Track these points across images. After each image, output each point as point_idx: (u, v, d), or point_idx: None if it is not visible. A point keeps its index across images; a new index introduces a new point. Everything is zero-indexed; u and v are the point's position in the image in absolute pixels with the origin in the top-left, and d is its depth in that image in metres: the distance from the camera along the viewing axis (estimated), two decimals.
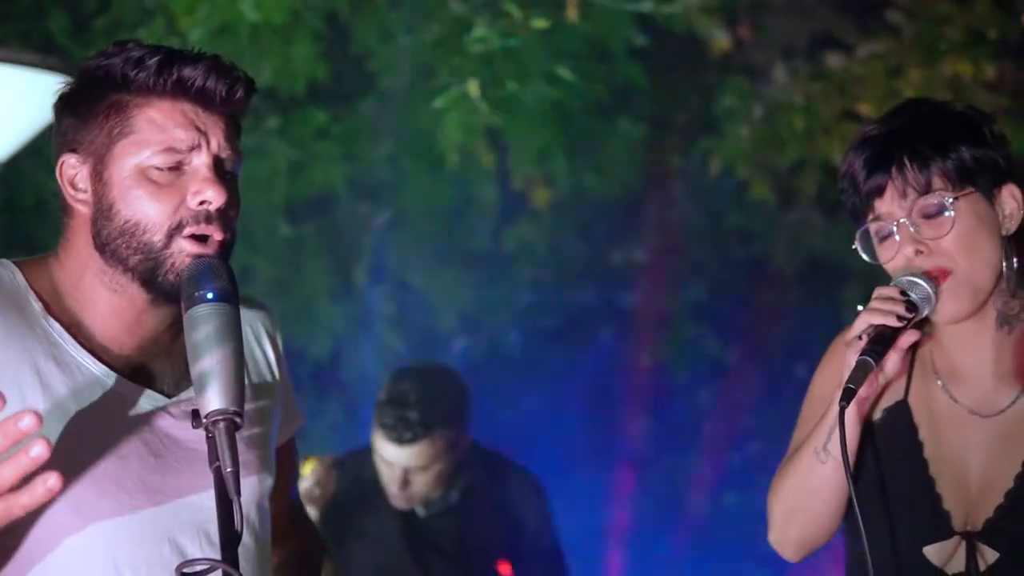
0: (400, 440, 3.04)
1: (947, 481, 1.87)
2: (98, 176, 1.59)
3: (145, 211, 1.56)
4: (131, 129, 1.57)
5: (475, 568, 3.17)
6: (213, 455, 1.41)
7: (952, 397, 1.89)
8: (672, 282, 4.70)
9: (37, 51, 3.43)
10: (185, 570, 1.35)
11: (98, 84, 1.59)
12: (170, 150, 1.56)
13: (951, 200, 1.80)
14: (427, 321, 4.43)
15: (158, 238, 1.56)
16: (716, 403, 4.71)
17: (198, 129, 1.57)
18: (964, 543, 1.84)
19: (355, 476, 3.13)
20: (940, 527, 1.86)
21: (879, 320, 1.78)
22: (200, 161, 1.57)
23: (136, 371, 1.61)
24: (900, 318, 1.77)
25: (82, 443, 1.55)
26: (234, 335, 1.46)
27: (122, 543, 1.55)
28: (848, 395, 1.75)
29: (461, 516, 3.15)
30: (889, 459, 1.90)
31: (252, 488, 1.63)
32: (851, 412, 1.82)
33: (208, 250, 1.56)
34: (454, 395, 3.14)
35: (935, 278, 1.81)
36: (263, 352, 1.74)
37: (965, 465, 1.87)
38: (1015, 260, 1.85)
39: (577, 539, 4.03)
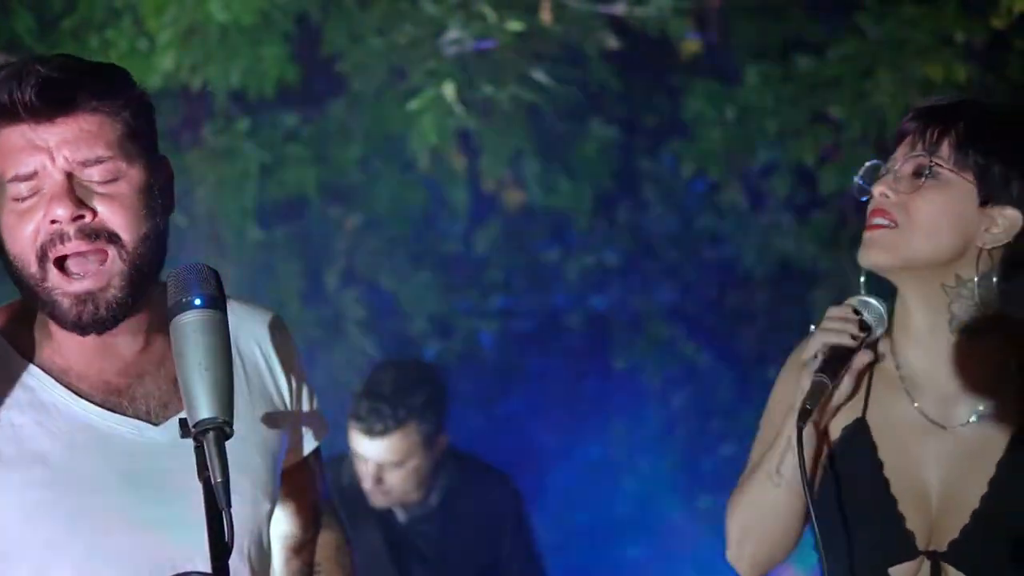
0: (371, 432, 3.01)
1: (909, 500, 1.86)
2: None
3: (16, 242, 1.52)
4: None
5: (455, 573, 3.15)
6: (202, 465, 1.38)
7: (913, 402, 1.88)
8: (644, 285, 4.70)
9: (3, 52, 3.38)
10: None
11: None
12: (16, 178, 1.50)
13: (934, 165, 1.81)
14: (399, 324, 4.40)
15: (33, 268, 1.52)
16: (689, 406, 4.71)
17: (39, 147, 1.50)
18: (929, 564, 1.84)
19: (335, 483, 3.10)
20: (904, 548, 1.85)
21: (833, 340, 1.80)
22: (51, 180, 1.50)
23: (120, 397, 1.57)
24: (853, 337, 1.79)
25: (58, 484, 1.52)
26: (223, 342, 1.43)
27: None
28: (804, 415, 1.76)
29: (441, 521, 3.13)
30: (850, 479, 1.90)
31: (246, 518, 1.60)
32: (805, 433, 1.81)
33: (84, 284, 1.50)
34: (430, 390, 3.12)
35: (874, 226, 1.82)
36: (268, 365, 1.69)
37: (926, 480, 1.87)
38: (991, 278, 1.84)
39: (551, 542, 4.02)
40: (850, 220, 4.68)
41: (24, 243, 1.51)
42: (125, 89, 1.54)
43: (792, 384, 1.90)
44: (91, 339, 1.56)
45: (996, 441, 1.84)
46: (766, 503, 1.88)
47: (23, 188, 1.51)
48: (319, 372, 4.24)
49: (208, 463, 1.37)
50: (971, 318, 1.86)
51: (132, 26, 3.72)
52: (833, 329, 1.81)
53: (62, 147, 1.50)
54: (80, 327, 1.53)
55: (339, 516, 1.91)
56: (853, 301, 1.84)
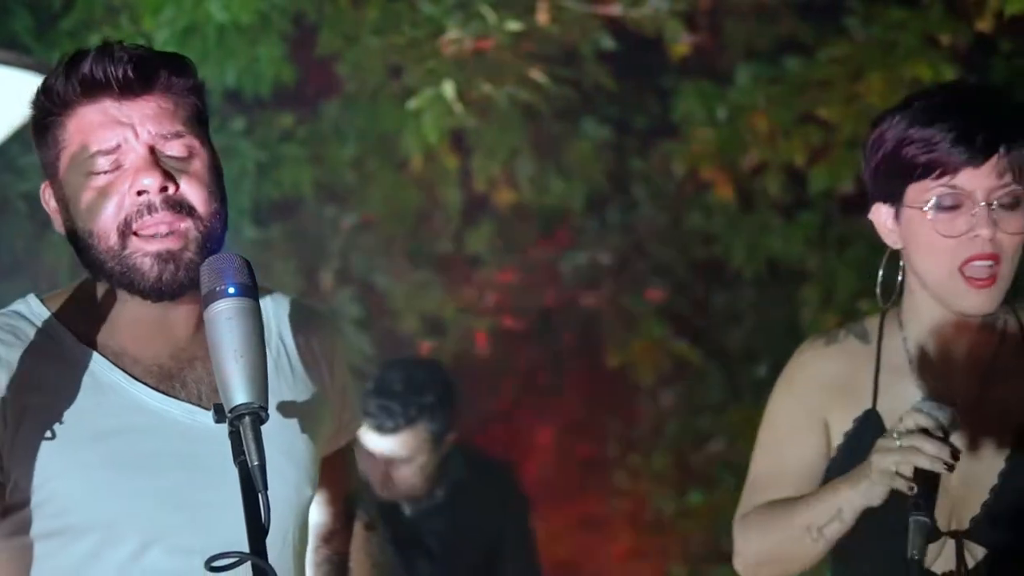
0: (381, 429, 3.04)
1: None
2: (60, 198, 1.59)
3: (96, 218, 1.55)
4: (65, 143, 1.56)
5: (461, 567, 3.18)
6: (238, 449, 1.41)
7: (924, 386, 1.90)
8: (636, 284, 4.74)
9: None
10: (215, 563, 1.34)
11: (37, 111, 1.59)
12: (99, 152, 1.54)
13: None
14: (393, 323, 4.43)
15: (113, 241, 1.54)
16: (680, 403, 4.75)
17: (121, 123, 1.54)
18: (952, 543, 1.87)
19: None
20: None
21: (926, 466, 1.74)
22: (134, 153, 1.55)
23: (172, 381, 1.60)
24: (947, 465, 1.73)
25: (118, 464, 1.55)
26: (256, 329, 1.46)
27: (161, 558, 1.55)
28: (917, 568, 1.70)
29: (447, 514, 3.15)
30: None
31: (291, 502, 1.62)
32: (863, 512, 1.80)
33: (167, 243, 1.53)
34: (440, 389, 3.14)
35: (981, 284, 1.81)
36: (314, 358, 1.71)
37: None
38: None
39: (542, 538, 4.05)
40: (837, 220, 4.74)
41: (107, 217, 1.54)
42: (193, 74, 1.60)
43: (802, 389, 1.91)
44: (149, 319, 1.59)
45: (1010, 417, 1.88)
46: (796, 551, 1.87)
47: (104, 162, 1.54)
48: None
49: (244, 446, 1.40)
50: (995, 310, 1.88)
51: (130, 25, 3.73)
52: (927, 455, 1.73)
53: (145, 122, 1.54)
54: (159, 288, 1.54)
55: (370, 510, 1.94)
56: (925, 406, 1.77)
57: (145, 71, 1.54)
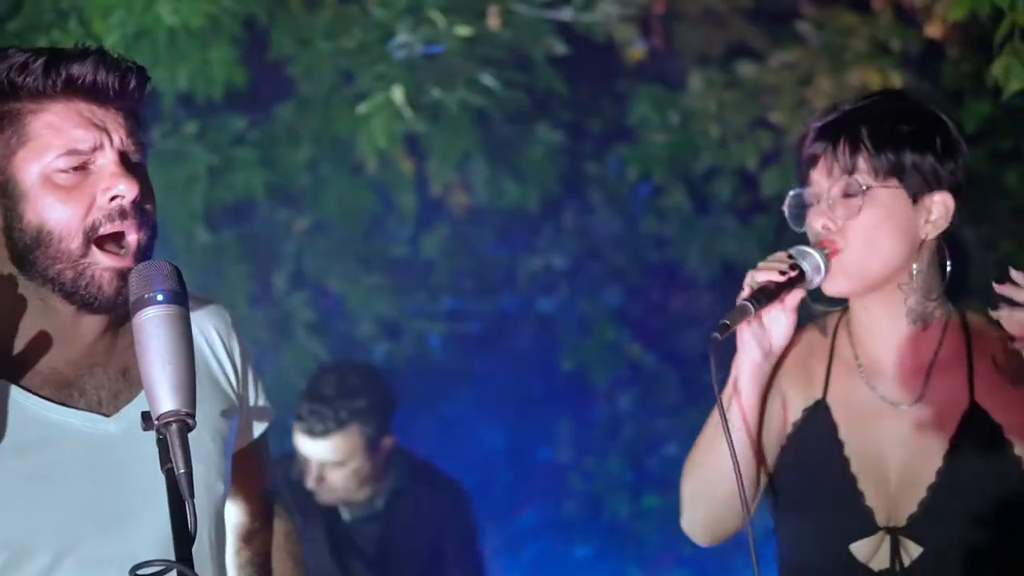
0: (311, 432, 3.04)
1: (868, 477, 1.93)
2: (3, 189, 1.55)
3: (57, 218, 1.53)
4: (28, 136, 1.54)
5: (397, 574, 3.18)
6: (165, 457, 1.40)
7: (871, 387, 1.95)
8: (591, 287, 4.75)
9: None
10: (140, 572, 1.34)
11: None
12: (72, 152, 1.53)
13: (866, 187, 1.87)
14: (347, 327, 4.42)
15: (75, 245, 1.53)
16: (635, 406, 4.77)
17: (97, 127, 1.54)
18: (888, 538, 1.90)
19: (283, 478, 3.12)
20: (864, 524, 1.92)
21: (763, 277, 1.87)
22: (106, 159, 1.54)
23: (71, 389, 1.58)
24: (782, 272, 1.85)
25: (24, 480, 1.53)
26: (185, 336, 1.46)
27: (73, 573, 1.54)
28: (721, 329, 1.81)
29: (385, 521, 3.15)
30: (810, 458, 1.96)
31: (205, 503, 1.62)
32: (750, 377, 1.89)
33: (126, 261, 1.54)
34: (375, 393, 3.14)
35: (829, 254, 1.89)
36: (214, 353, 1.73)
37: (884, 459, 1.93)
38: (938, 263, 1.92)
39: (498, 542, 4.06)
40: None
41: (68, 218, 1.52)
42: (147, 84, 1.61)
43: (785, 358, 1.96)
44: (56, 326, 1.57)
45: (949, 417, 1.92)
46: (714, 455, 1.90)
47: (73, 162, 1.53)
48: (268, 374, 4.24)
49: (171, 454, 1.39)
50: (923, 306, 1.93)
51: (79, 28, 3.70)
52: (765, 268, 1.88)
53: (117, 129, 1.55)
54: (112, 304, 1.54)
55: (287, 506, 1.94)
56: (792, 249, 1.90)
57: (126, 80, 1.55)
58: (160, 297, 1.46)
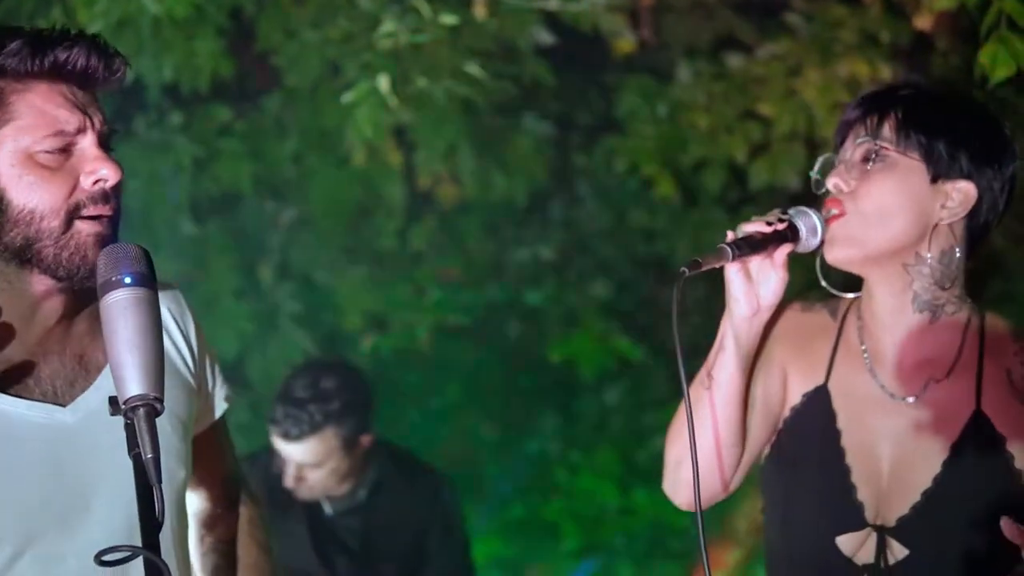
0: (287, 436, 3.03)
1: (861, 471, 1.90)
2: None
3: (40, 198, 1.53)
4: (11, 115, 1.53)
5: (381, 566, 3.16)
6: (132, 442, 1.38)
7: (874, 376, 1.91)
8: (579, 280, 4.74)
9: None
10: (105, 557, 1.32)
11: None
12: (59, 133, 1.54)
13: (885, 153, 1.84)
14: (334, 319, 4.41)
15: (56, 223, 1.53)
16: (623, 399, 4.76)
17: (80, 109, 1.55)
18: (875, 536, 1.87)
19: (265, 473, 3.10)
20: (853, 518, 1.89)
21: (750, 227, 1.81)
22: (88, 141, 1.55)
23: (26, 379, 1.56)
24: (768, 223, 1.80)
25: None
26: (153, 320, 1.44)
27: (31, 567, 1.52)
28: (692, 265, 1.74)
29: (367, 514, 3.14)
30: (806, 446, 1.93)
31: (165, 489, 1.60)
32: (737, 333, 1.85)
33: (104, 228, 1.55)
34: (350, 394, 3.11)
35: (830, 219, 1.85)
36: (170, 337, 1.71)
37: (878, 454, 1.90)
38: (950, 254, 1.88)
39: (486, 535, 4.05)
40: None
41: (51, 198, 1.52)
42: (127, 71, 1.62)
43: (768, 346, 1.93)
44: (15, 314, 1.56)
45: (951, 422, 1.87)
46: (698, 414, 1.85)
47: (57, 143, 1.53)
48: (254, 367, 4.23)
49: (139, 439, 1.37)
50: (933, 295, 1.89)
51: (62, 17, 3.68)
52: (755, 220, 1.83)
53: (96, 112, 1.57)
54: (92, 272, 1.53)
55: (251, 490, 1.92)
56: (791, 208, 1.85)
57: (113, 66, 1.56)
58: (128, 280, 1.45)
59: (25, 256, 1.54)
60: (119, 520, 1.55)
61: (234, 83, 4.04)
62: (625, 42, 4.30)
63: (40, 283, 1.56)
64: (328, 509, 3.15)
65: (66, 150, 1.54)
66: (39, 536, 1.53)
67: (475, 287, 4.67)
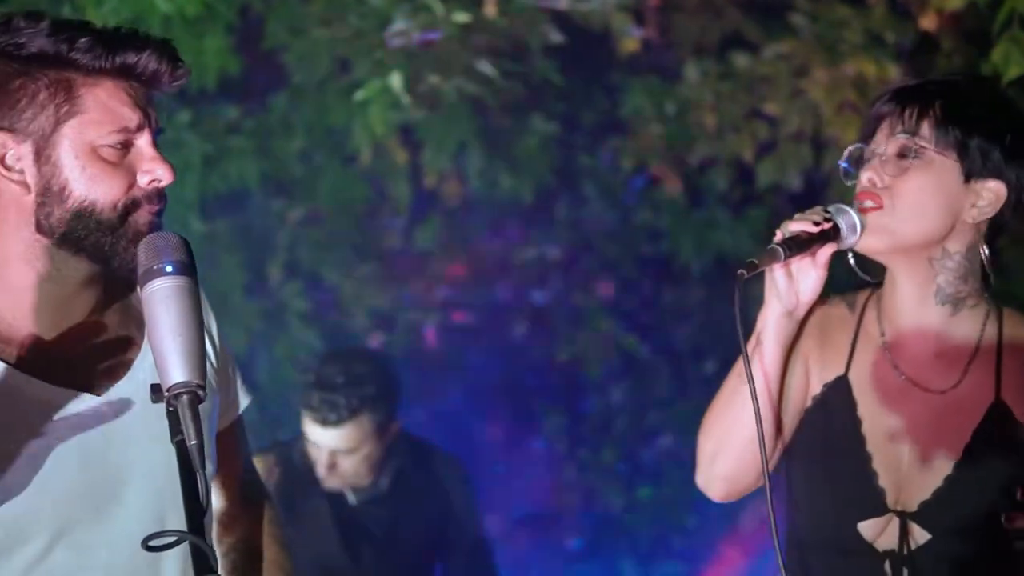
0: (325, 422, 3.05)
1: (882, 457, 1.92)
2: (43, 156, 1.55)
3: (101, 190, 1.55)
4: (80, 109, 1.55)
5: (404, 554, 3.18)
6: (175, 429, 1.39)
7: (895, 366, 1.94)
8: (585, 279, 4.75)
9: None
10: (152, 543, 1.32)
11: (27, 61, 1.54)
12: (123, 130, 1.56)
13: (921, 150, 1.86)
14: (341, 318, 4.41)
15: (114, 217, 1.56)
16: (628, 398, 4.77)
17: (140, 108, 1.58)
18: (897, 521, 1.90)
19: (287, 464, 3.12)
20: (875, 504, 1.91)
21: (796, 227, 1.85)
22: (144, 140, 1.58)
23: (60, 368, 1.57)
24: (816, 224, 1.83)
25: (15, 460, 1.52)
26: (194, 308, 1.45)
27: (66, 553, 1.53)
28: (749, 266, 1.79)
29: (391, 502, 3.16)
30: (828, 433, 1.95)
31: None
32: (775, 330, 1.87)
33: (158, 220, 1.60)
34: (382, 380, 3.16)
35: (865, 209, 1.87)
36: None
37: (899, 441, 1.93)
38: (974, 251, 1.91)
39: (492, 534, 4.05)
40: (784, 214, 4.77)
41: (111, 192, 1.55)
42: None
43: (810, 329, 1.96)
44: (55, 303, 1.58)
45: (973, 410, 1.91)
46: (735, 407, 1.88)
47: (119, 138, 1.56)
48: (261, 364, 4.24)
49: (183, 426, 1.38)
50: (956, 289, 1.92)
51: (72, 14, 3.68)
52: (800, 219, 1.86)
53: (152, 110, 1.61)
54: (127, 260, 1.57)
55: (266, 489, 1.93)
56: (831, 207, 1.88)
57: (178, 72, 1.61)
58: (169, 268, 1.46)
59: (80, 245, 1.56)
60: (149, 510, 1.56)
61: (241, 81, 4.05)
62: (630, 41, 4.32)
63: (87, 270, 1.58)
64: (352, 498, 3.17)
65: (125, 147, 1.57)
66: (73, 524, 1.54)
67: (482, 286, 4.68)
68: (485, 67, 3.48)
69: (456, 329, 4.61)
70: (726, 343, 4.84)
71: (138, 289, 1.47)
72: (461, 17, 3.42)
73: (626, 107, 4.33)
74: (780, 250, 1.81)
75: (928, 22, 4.31)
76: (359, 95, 3.47)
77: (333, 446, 3.07)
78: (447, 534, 3.23)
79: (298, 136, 4.20)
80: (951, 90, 1.91)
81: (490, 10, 3.58)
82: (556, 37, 3.81)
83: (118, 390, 1.59)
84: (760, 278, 1.92)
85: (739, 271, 1.77)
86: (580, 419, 4.79)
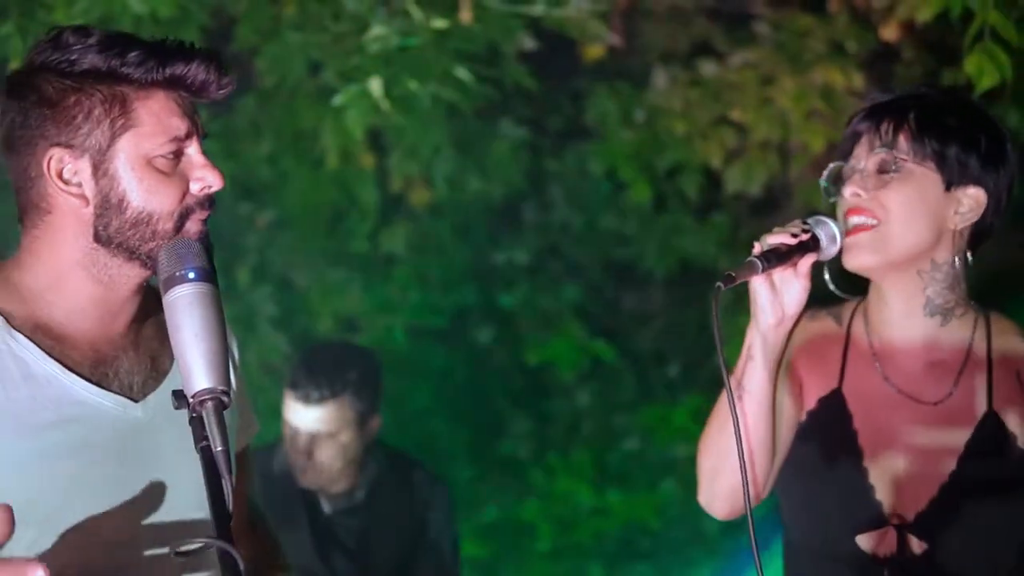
0: (308, 399, 3.04)
1: (879, 470, 1.94)
2: (101, 170, 1.58)
3: (158, 200, 1.58)
4: (134, 122, 1.58)
5: (379, 565, 3.17)
6: (199, 435, 1.39)
7: (886, 378, 1.96)
8: (552, 283, 4.77)
9: None
10: (180, 549, 1.33)
11: (79, 77, 1.57)
12: (175, 140, 1.59)
13: (901, 162, 1.89)
14: (310, 322, 4.40)
15: (169, 226, 1.58)
16: (595, 401, 4.80)
17: (189, 116, 1.61)
18: (895, 532, 1.92)
19: (264, 471, 3.10)
20: (873, 517, 1.93)
21: (774, 239, 1.84)
22: (194, 148, 1.61)
23: (104, 371, 1.60)
24: (794, 236, 1.83)
25: (52, 456, 1.54)
26: (217, 314, 1.46)
27: (94, 550, 1.53)
28: (727, 279, 1.76)
29: (365, 513, 3.15)
30: (825, 448, 1.97)
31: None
32: (763, 342, 1.85)
33: (206, 228, 1.63)
34: (367, 369, 3.16)
35: (853, 231, 1.89)
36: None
37: (896, 451, 1.94)
38: (959, 259, 1.93)
39: (459, 537, 4.05)
40: (747, 221, 4.84)
41: (168, 201, 1.58)
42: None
43: (798, 342, 1.97)
44: (99, 306, 1.61)
45: (965, 419, 1.93)
46: (730, 427, 1.84)
47: (170, 148, 1.58)
48: None
49: (208, 432, 1.38)
50: (944, 300, 1.94)
51: (44, 15, 3.64)
52: (779, 232, 1.86)
53: (198, 119, 1.62)
54: None
55: (267, 518, 1.95)
56: (810, 217, 1.89)
57: (224, 82, 1.62)
58: (192, 275, 1.47)
59: (136, 254, 1.59)
60: (178, 514, 1.58)
61: None
62: (595, 48, 4.35)
63: (138, 278, 1.61)
64: (327, 508, 3.15)
65: (177, 156, 1.60)
66: (104, 521, 1.55)
67: (449, 290, 4.68)
68: (463, 73, 3.49)
69: (425, 333, 4.61)
70: (689, 347, 4.91)
71: (161, 295, 1.48)
72: (439, 23, 3.43)
73: (594, 113, 4.36)
74: (758, 262, 1.80)
75: (889, 32, 4.38)
76: (337, 100, 3.46)
77: (313, 429, 3.05)
78: (420, 548, 3.22)
79: (266, 139, 4.18)
80: (924, 102, 1.94)
81: (465, 16, 3.59)
82: (530, 43, 3.83)
83: (155, 398, 1.62)
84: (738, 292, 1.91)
85: (717, 284, 1.74)
86: (547, 422, 4.81)
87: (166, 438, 1.58)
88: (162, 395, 1.63)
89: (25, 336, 1.57)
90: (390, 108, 3.32)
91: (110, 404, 1.59)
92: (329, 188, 4.32)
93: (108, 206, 1.58)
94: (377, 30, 3.42)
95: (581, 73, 4.51)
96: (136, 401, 1.61)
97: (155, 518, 1.58)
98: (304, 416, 3.05)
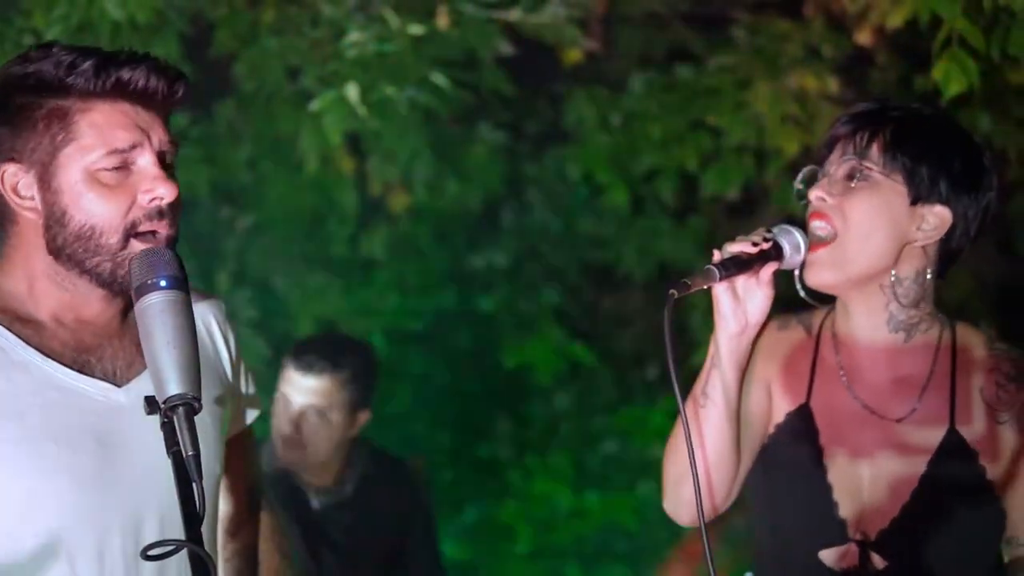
0: (309, 368, 3.09)
1: (843, 487, 1.94)
2: (45, 184, 1.59)
3: (100, 214, 1.58)
4: (74, 135, 1.58)
5: (366, 561, 3.21)
6: (171, 440, 1.42)
7: (853, 393, 1.95)
8: (530, 286, 4.80)
9: None
10: (151, 552, 1.35)
11: (31, 91, 1.58)
12: (114, 152, 1.58)
13: (870, 173, 1.88)
14: (290, 325, 4.41)
15: (115, 240, 1.59)
16: (574, 404, 4.83)
17: (139, 128, 1.59)
18: (857, 549, 1.92)
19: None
20: (836, 533, 1.94)
21: (735, 247, 1.84)
22: (146, 160, 1.60)
23: (86, 358, 1.63)
24: (755, 244, 1.83)
25: (34, 439, 1.56)
26: (188, 321, 1.48)
27: (76, 534, 1.55)
28: (681, 287, 1.74)
29: (353, 508, 3.19)
30: (791, 462, 1.97)
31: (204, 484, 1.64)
32: (728, 350, 1.86)
33: (158, 245, 1.59)
34: (368, 361, 3.22)
35: (816, 246, 1.88)
36: (212, 342, 1.76)
37: (859, 470, 1.95)
38: (926, 275, 1.92)
39: (440, 541, 4.07)
40: (724, 224, 4.88)
41: (110, 215, 1.57)
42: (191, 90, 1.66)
43: (763, 349, 1.97)
44: (81, 306, 1.64)
45: (929, 437, 1.93)
46: (696, 431, 1.87)
47: (114, 161, 1.57)
48: None
49: (179, 438, 1.41)
50: (907, 316, 1.94)
51: (22, 20, 3.65)
52: (740, 240, 1.85)
53: (157, 130, 1.61)
54: (125, 288, 1.60)
55: (270, 499, 1.96)
56: (775, 226, 1.89)
57: (175, 87, 1.61)
58: (163, 283, 1.49)
59: (83, 267, 1.60)
60: (160, 497, 1.61)
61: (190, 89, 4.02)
62: (573, 52, 4.38)
63: (97, 293, 1.63)
64: (315, 503, 3.18)
65: (125, 168, 1.59)
66: (86, 506, 1.58)
67: (428, 293, 4.71)
68: (439, 78, 3.51)
69: (403, 336, 4.63)
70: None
71: (134, 303, 1.50)
72: (416, 29, 3.45)
73: (572, 117, 4.39)
74: (715, 270, 1.79)
75: (863, 37, 4.41)
76: (314, 105, 3.48)
77: (307, 400, 3.09)
78: (409, 541, 3.27)
79: (245, 145, 4.20)
80: (905, 116, 1.93)
81: (442, 22, 3.62)
82: (507, 49, 3.86)
83: (138, 384, 1.64)
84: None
85: (670, 291, 1.73)
86: (526, 424, 4.84)
87: (149, 423, 1.59)
88: (146, 381, 1.63)
89: (3, 327, 1.59)
90: (367, 113, 3.34)
91: (92, 390, 1.61)
92: (308, 192, 4.34)
93: (53, 218, 1.59)
94: (354, 36, 3.44)
95: (559, 78, 4.53)
96: (120, 387, 1.63)
97: (138, 501, 1.59)
98: (300, 385, 3.10)
